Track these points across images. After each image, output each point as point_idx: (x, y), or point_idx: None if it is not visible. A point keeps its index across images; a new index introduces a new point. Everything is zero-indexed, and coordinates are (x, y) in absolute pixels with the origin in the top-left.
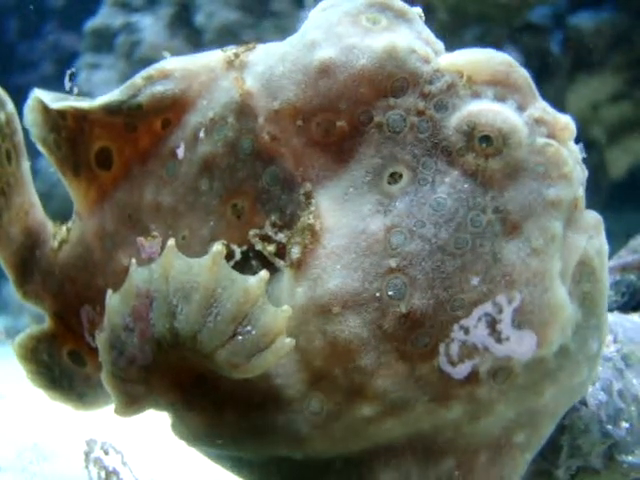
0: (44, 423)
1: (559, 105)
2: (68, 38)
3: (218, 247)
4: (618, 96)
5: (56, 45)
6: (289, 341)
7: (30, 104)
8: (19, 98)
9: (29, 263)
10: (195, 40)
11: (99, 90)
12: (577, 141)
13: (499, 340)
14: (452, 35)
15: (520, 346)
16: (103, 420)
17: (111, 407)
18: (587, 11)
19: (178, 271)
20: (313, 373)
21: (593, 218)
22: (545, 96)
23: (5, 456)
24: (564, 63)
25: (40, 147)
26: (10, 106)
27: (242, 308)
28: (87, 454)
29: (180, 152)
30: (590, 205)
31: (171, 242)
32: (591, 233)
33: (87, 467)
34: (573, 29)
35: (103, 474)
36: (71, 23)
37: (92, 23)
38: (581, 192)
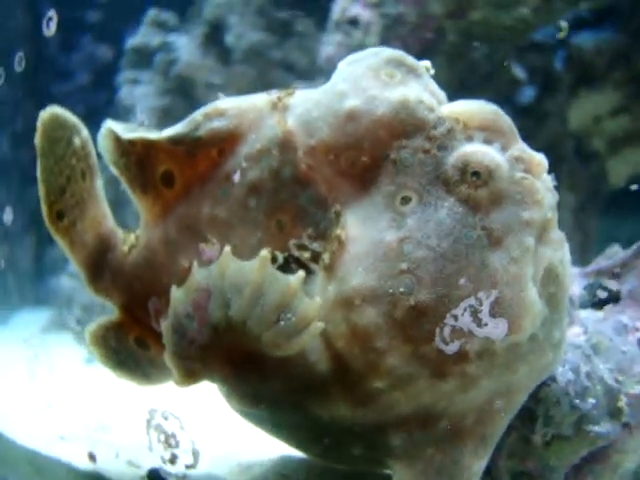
0: (108, 401)
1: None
2: (102, 50)
3: (264, 252)
4: (618, 110)
5: (91, 57)
6: (320, 324)
7: (103, 133)
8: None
9: (101, 264)
10: (225, 58)
11: (139, 102)
12: (551, 161)
13: (479, 325)
14: (461, 55)
15: (495, 330)
16: (161, 397)
17: (168, 386)
18: (588, 31)
19: (232, 270)
20: (336, 352)
21: (558, 235)
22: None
23: (71, 428)
24: (567, 79)
25: (112, 169)
26: (85, 132)
27: (284, 299)
28: (148, 421)
29: (236, 177)
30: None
31: (227, 248)
32: (556, 247)
33: (148, 433)
34: (575, 48)
35: (163, 437)
36: (105, 36)
37: (132, 42)
38: (551, 215)
